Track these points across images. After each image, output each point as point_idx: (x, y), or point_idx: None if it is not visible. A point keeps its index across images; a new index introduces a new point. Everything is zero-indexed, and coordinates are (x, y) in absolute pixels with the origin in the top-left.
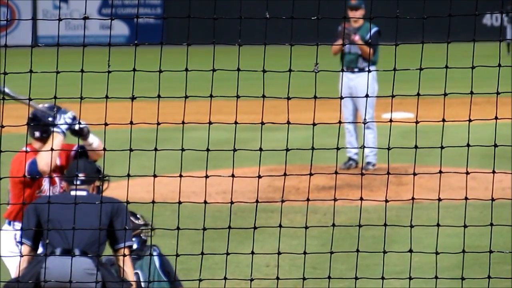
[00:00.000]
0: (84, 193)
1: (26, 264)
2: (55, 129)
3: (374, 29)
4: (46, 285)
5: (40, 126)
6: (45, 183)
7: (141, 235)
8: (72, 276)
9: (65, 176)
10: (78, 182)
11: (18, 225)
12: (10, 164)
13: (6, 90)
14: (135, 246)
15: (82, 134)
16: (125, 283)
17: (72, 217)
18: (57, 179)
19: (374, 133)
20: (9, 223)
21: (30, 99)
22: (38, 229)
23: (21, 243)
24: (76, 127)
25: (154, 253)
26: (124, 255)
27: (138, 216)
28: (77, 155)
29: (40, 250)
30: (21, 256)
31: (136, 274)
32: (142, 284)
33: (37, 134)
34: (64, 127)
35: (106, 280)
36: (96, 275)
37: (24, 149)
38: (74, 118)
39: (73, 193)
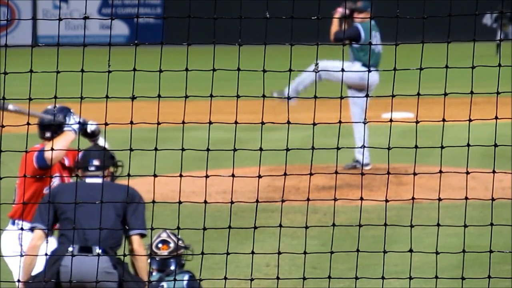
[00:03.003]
0: (99, 180)
1: (36, 249)
2: (66, 127)
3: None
4: (66, 284)
5: (51, 126)
6: (55, 179)
7: (180, 258)
8: (92, 276)
9: (78, 164)
10: (93, 169)
11: (24, 225)
12: (20, 161)
13: (10, 107)
14: (171, 267)
15: (94, 135)
16: (141, 282)
17: (89, 209)
18: (65, 178)
19: (360, 132)
20: (13, 223)
21: (30, 99)
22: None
23: (32, 229)
24: (88, 129)
25: (185, 277)
26: (127, 255)
27: (180, 238)
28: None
29: (54, 244)
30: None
31: (161, 287)
32: None
33: (47, 134)
34: (75, 126)
35: (123, 279)
36: (115, 274)
37: (36, 146)
38: (85, 122)
39: (88, 180)
